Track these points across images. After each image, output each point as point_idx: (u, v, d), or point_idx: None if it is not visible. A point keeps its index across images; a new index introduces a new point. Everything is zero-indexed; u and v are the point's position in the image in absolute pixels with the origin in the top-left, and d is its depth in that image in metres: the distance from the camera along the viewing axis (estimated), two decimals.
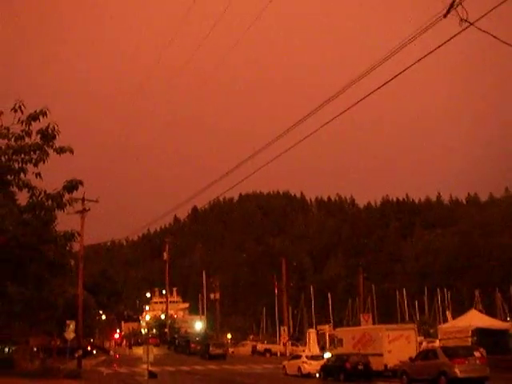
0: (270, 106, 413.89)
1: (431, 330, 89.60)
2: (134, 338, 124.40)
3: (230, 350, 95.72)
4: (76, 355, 52.33)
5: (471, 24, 16.98)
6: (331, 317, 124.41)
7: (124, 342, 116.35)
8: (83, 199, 51.57)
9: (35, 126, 21.31)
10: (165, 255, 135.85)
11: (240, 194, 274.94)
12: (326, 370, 43.31)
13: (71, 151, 21.92)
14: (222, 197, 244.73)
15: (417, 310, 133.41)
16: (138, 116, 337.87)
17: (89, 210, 52.63)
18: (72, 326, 52.59)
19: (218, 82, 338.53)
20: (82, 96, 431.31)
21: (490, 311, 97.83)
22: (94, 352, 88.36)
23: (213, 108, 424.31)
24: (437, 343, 56.82)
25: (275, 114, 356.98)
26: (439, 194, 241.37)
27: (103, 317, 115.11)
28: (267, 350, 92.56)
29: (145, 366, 43.61)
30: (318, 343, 68.56)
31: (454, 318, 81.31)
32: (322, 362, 45.40)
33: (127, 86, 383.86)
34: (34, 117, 21.01)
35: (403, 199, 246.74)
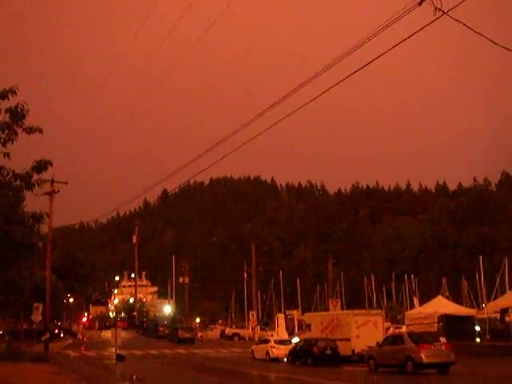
0: (243, 90, 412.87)
1: (398, 316, 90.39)
2: (103, 322, 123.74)
3: (199, 334, 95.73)
4: (43, 338, 51.94)
5: (445, 13, 17.02)
6: (300, 302, 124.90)
7: (96, 325, 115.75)
8: (52, 180, 51.01)
9: (3, 105, 20.93)
10: (134, 238, 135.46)
11: (211, 179, 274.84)
12: (294, 354, 43.50)
13: (40, 131, 21.59)
14: (193, 181, 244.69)
15: (384, 296, 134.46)
16: (110, 97, 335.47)
17: (58, 191, 52.14)
18: (39, 308, 52.22)
19: (191, 63, 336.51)
20: (52, 77, 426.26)
21: (456, 298, 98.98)
22: (62, 335, 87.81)
23: (185, 92, 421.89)
24: (404, 329, 57.36)
25: (248, 99, 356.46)
26: (408, 182, 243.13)
27: (71, 300, 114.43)
28: (236, 335, 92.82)
29: (113, 350, 43.51)
30: (287, 328, 68.95)
31: (420, 304, 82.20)
32: (290, 347, 45.59)
33: (99, 68, 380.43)
34: (3, 95, 20.64)
35: (373, 187, 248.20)
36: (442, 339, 33.53)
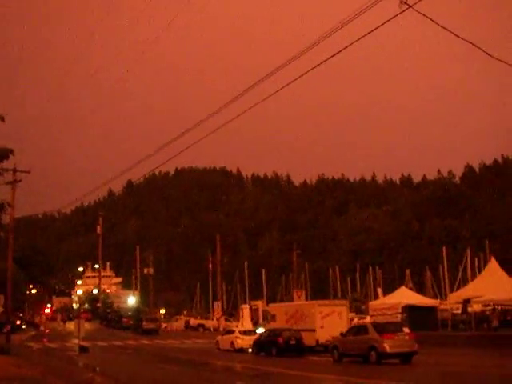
0: (210, 81, 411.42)
1: (363, 307, 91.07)
2: (66, 313, 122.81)
3: (164, 325, 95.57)
4: (4, 330, 51.26)
5: (410, 6, 17.02)
6: (265, 293, 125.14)
7: (59, 316, 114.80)
8: (14, 169, 50.24)
9: None
10: (98, 229, 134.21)
11: (176, 169, 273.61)
12: (259, 344, 43.60)
13: (2, 119, 21.23)
14: (158, 171, 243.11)
15: (349, 287, 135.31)
16: (75, 85, 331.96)
17: (20, 181, 51.36)
18: (0, 299, 51.56)
19: (162, 50, 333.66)
20: (16, 63, 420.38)
21: (420, 289, 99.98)
22: (24, 327, 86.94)
23: (151, 81, 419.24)
24: (368, 319, 57.79)
25: (216, 88, 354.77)
26: (374, 173, 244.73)
27: (33, 291, 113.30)
28: (200, 325, 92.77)
29: (76, 341, 43.17)
30: (252, 319, 68.97)
31: (385, 295, 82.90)
32: (254, 337, 45.66)
33: (63, 54, 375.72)
34: None
35: (338, 178, 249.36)
36: (406, 329, 33.76)
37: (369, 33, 18.65)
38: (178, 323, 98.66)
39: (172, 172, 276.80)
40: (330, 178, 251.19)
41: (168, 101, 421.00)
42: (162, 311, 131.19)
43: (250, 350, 44.98)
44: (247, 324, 61.84)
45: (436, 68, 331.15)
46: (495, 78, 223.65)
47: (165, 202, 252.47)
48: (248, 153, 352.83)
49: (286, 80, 21.84)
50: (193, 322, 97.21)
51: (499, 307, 54.97)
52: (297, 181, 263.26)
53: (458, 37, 19.14)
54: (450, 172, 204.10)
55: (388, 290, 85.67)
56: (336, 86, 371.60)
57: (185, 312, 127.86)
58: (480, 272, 79.21)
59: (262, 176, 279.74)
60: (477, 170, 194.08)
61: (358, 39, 18.74)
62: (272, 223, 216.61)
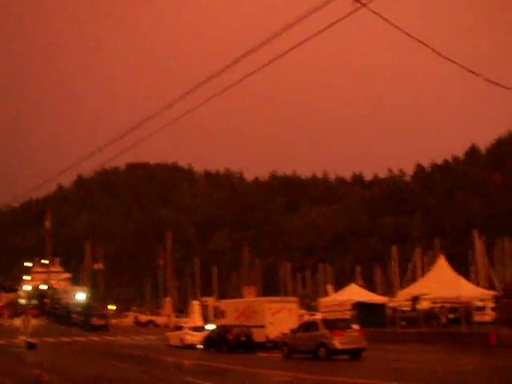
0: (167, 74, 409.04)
1: (313, 303, 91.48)
2: (13, 309, 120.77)
3: (113, 321, 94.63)
4: None
5: (363, 5, 17.01)
6: (216, 289, 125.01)
7: (7, 312, 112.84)
8: None
9: None
10: (47, 223, 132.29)
11: (127, 164, 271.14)
12: (209, 341, 43.53)
13: None
14: (109, 166, 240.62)
15: (300, 283, 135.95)
16: (27, 69, 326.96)
17: None
18: None
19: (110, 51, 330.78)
20: None
21: (370, 286, 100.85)
22: None
23: (109, 71, 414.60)
24: (318, 316, 58.04)
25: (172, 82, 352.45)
26: (325, 171, 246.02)
27: None
28: (150, 322, 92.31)
29: (23, 337, 42.50)
30: (202, 315, 68.79)
31: (335, 292, 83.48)
32: (204, 334, 45.56)
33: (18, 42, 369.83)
34: None
35: (290, 175, 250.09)
36: (355, 326, 34.08)
37: (318, 33, 18.62)
38: (128, 319, 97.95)
39: (123, 167, 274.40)
40: (281, 175, 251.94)
41: (121, 94, 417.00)
42: (112, 307, 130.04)
43: (200, 346, 44.84)
44: (197, 320, 61.69)
45: (388, 67, 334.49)
46: (444, 76, 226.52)
47: (116, 197, 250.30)
48: (200, 149, 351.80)
49: (239, 76, 21.73)
50: (142, 318, 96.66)
51: (448, 304, 55.80)
52: (249, 177, 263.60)
53: (409, 36, 19.28)
54: (400, 171, 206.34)
55: (339, 287, 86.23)
56: (289, 81, 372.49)
57: (134, 308, 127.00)
58: (429, 269, 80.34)
59: (213, 172, 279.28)
60: (427, 169, 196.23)
61: (315, 35, 18.70)
62: (224, 219, 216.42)
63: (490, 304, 57.90)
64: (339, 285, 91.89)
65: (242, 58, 20.55)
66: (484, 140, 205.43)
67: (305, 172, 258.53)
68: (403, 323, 56.90)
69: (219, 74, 21.83)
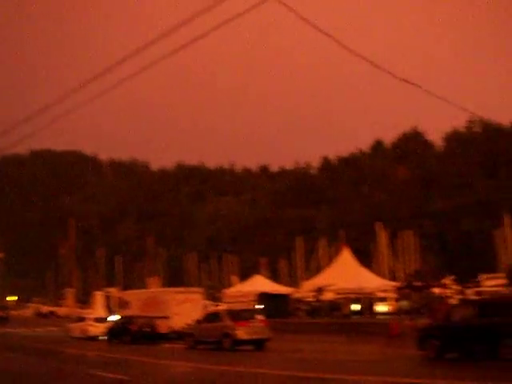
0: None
1: (218, 294, 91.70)
2: None
3: (14, 312, 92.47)
4: None
5: None
6: (120, 280, 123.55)
7: None
8: None
9: None
10: None
11: (31, 151, 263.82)
12: (113, 332, 43.10)
13: None
14: (11, 152, 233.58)
15: (205, 274, 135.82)
16: None
17: None
18: None
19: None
20: None
21: (275, 277, 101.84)
22: None
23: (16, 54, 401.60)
24: (222, 307, 58.28)
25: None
26: (232, 162, 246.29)
27: None
28: (52, 313, 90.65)
29: None
30: (106, 306, 67.99)
31: (240, 283, 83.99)
32: (108, 325, 45.02)
33: None
34: None
35: (196, 165, 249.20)
36: (259, 316, 34.34)
37: (217, 27, 18.48)
38: (29, 310, 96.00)
39: (26, 154, 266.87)
40: (188, 165, 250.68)
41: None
42: (13, 298, 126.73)
43: (104, 337, 44.24)
44: (100, 311, 60.94)
45: (299, 58, 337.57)
46: (352, 70, 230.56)
47: (18, 184, 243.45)
48: (106, 138, 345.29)
49: (144, 63, 21.38)
50: (44, 309, 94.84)
51: (351, 295, 57.00)
52: (155, 167, 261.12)
53: (318, 30, 19.40)
54: (307, 163, 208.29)
55: (244, 278, 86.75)
56: (201, 70, 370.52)
57: (36, 299, 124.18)
58: (334, 261, 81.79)
59: (119, 161, 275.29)
60: (333, 162, 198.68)
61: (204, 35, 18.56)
62: (129, 209, 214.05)
63: (392, 295, 59.45)
64: (244, 276, 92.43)
65: (148, 44, 20.21)
66: (389, 135, 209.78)
67: (211, 162, 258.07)
68: (300, 313, 57.95)
69: (124, 62, 21.41)
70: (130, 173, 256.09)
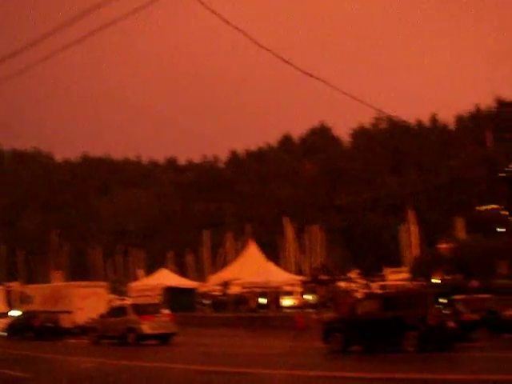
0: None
1: (123, 288, 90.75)
2: None
3: None
4: None
5: None
6: (22, 274, 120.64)
7: None
8: None
9: None
10: None
11: None
12: (14, 328, 42.13)
13: None
14: None
15: (110, 268, 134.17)
16: None
17: None
18: None
19: None
20: None
21: (182, 271, 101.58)
22: None
23: None
24: (127, 301, 57.79)
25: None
26: (138, 154, 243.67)
27: None
28: None
29: None
30: (6, 301, 66.21)
31: (146, 277, 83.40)
32: (8, 321, 43.94)
33: None
34: None
35: (102, 157, 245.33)
36: (165, 311, 34.27)
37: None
38: None
39: None
40: (94, 156, 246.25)
41: None
42: None
43: (4, 333, 43.13)
44: (0, 306, 59.29)
45: (205, 52, 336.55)
46: (259, 63, 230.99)
47: None
48: (7, 126, 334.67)
49: (52, 50, 20.93)
50: None
51: (258, 289, 57.47)
52: (59, 158, 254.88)
53: (228, 23, 19.46)
54: (215, 157, 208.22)
55: (150, 272, 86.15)
56: (98, 63, 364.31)
57: None
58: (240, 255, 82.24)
59: (21, 151, 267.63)
60: (241, 155, 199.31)
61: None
62: (31, 201, 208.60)
63: (298, 289, 60.25)
64: (151, 270, 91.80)
65: (51, 33, 19.80)
66: (298, 130, 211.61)
67: (117, 154, 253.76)
68: (206, 307, 58.20)
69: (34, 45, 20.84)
70: (33, 163, 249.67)
